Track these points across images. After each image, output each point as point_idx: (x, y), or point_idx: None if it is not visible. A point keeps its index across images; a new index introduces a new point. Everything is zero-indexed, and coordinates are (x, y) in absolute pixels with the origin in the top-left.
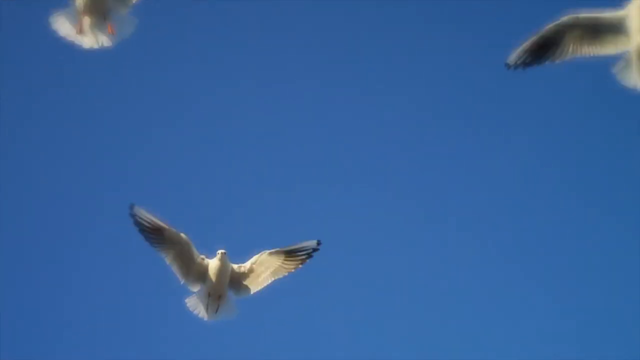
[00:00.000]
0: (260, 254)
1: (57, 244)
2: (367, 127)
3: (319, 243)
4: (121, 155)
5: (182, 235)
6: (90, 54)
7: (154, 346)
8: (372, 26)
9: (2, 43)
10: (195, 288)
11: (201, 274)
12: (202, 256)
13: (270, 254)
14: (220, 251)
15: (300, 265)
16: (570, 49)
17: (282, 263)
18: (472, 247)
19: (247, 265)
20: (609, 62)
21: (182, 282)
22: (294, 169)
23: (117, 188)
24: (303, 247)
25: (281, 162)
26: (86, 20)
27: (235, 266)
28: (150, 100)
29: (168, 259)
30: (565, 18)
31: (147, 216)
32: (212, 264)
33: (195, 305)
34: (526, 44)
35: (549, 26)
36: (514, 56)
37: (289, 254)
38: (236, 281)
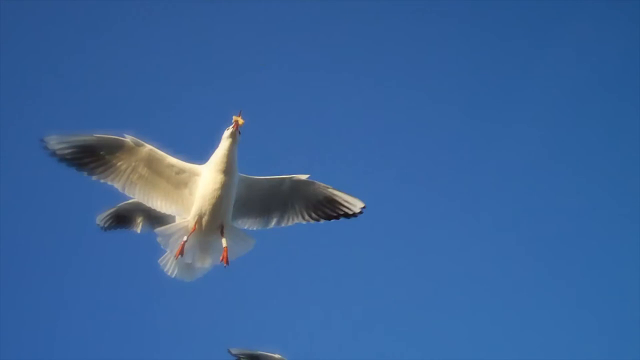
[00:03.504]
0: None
1: (56, 243)
2: (371, 120)
3: (364, 207)
4: None
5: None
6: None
7: (154, 346)
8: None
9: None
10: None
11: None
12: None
13: (312, 181)
14: (236, 118)
15: (321, 220)
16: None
17: (316, 204)
18: (475, 241)
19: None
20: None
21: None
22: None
23: None
24: (349, 202)
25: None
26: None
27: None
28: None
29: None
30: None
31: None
32: (216, 155)
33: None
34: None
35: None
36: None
37: (330, 201)
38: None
